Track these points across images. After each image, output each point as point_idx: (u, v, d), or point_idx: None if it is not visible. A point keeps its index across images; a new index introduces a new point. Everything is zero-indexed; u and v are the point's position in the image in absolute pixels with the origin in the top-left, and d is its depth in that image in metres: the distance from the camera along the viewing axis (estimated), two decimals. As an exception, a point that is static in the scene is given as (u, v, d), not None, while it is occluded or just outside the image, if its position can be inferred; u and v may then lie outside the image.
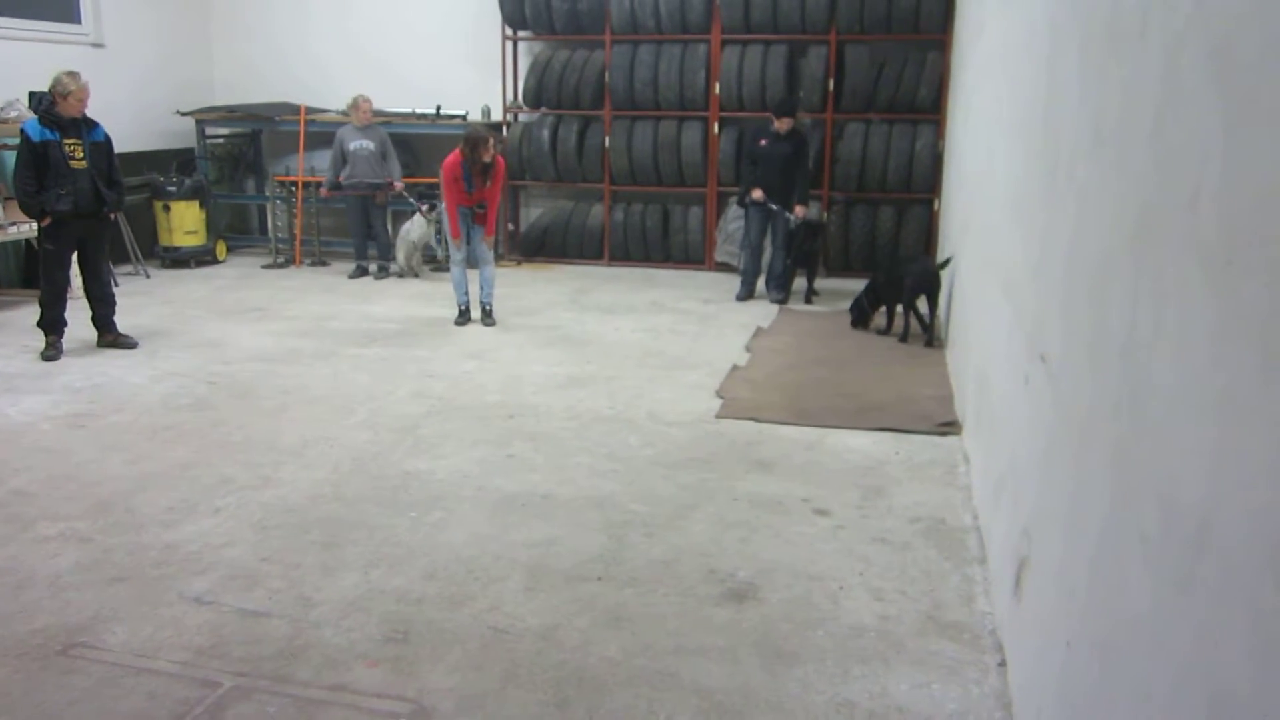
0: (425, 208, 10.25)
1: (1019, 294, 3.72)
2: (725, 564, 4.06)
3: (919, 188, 10.21)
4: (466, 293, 8.27)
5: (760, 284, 9.50)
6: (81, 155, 6.96)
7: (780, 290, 9.29)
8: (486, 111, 11.17)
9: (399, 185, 10.35)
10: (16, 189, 6.98)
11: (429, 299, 9.29)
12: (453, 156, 7.94)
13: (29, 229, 8.01)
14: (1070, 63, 2.98)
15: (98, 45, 10.68)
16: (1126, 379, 2.07)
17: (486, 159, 7.85)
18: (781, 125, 8.95)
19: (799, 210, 9.13)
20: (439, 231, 10.15)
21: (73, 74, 6.92)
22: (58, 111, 6.89)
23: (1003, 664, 3.33)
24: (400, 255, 10.44)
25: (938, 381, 6.60)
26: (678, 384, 6.58)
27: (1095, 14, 2.66)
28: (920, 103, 10.10)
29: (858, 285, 9.96)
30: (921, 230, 10.22)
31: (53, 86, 6.88)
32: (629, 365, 7.04)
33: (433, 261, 10.96)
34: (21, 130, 6.91)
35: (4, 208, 8.54)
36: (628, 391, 6.40)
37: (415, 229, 10.30)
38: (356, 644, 3.46)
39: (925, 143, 10.06)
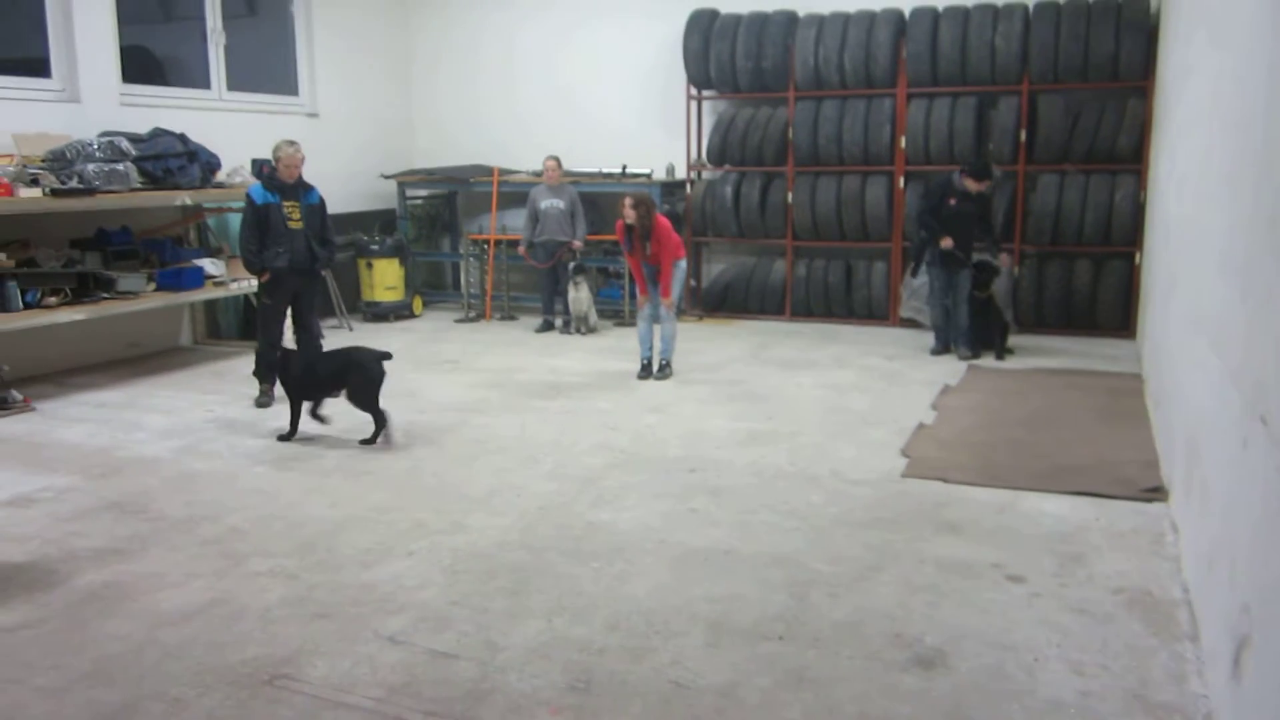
0: (571, 269, 10.49)
1: (1233, 352, 3.48)
2: (912, 628, 3.93)
3: (1118, 240, 9.77)
4: (651, 347, 8.40)
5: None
6: (298, 217, 7.47)
7: (968, 346, 9.04)
8: (670, 170, 11.39)
9: (577, 245, 10.64)
10: (242, 248, 7.55)
11: (613, 353, 9.47)
12: (620, 221, 8.21)
13: (248, 285, 8.63)
14: (1292, 106, 2.80)
15: (312, 115, 11.52)
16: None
17: (629, 221, 8.04)
18: (978, 187, 8.77)
19: (1004, 259, 9.03)
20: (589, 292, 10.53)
21: (292, 142, 7.45)
22: (279, 177, 7.44)
23: (1220, 751, 3.08)
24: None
25: (1141, 444, 6.23)
26: (862, 441, 6.45)
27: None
28: (1120, 152, 9.68)
29: (1053, 343, 9.64)
30: (1121, 285, 9.75)
31: (275, 153, 7.44)
32: (811, 421, 6.96)
33: (616, 316, 11.19)
34: (248, 195, 7.48)
35: (228, 265, 9.26)
36: (810, 448, 6.32)
37: (571, 291, 10.54)
38: (540, 690, 3.51)
39: (1125, 193, 9.62)
